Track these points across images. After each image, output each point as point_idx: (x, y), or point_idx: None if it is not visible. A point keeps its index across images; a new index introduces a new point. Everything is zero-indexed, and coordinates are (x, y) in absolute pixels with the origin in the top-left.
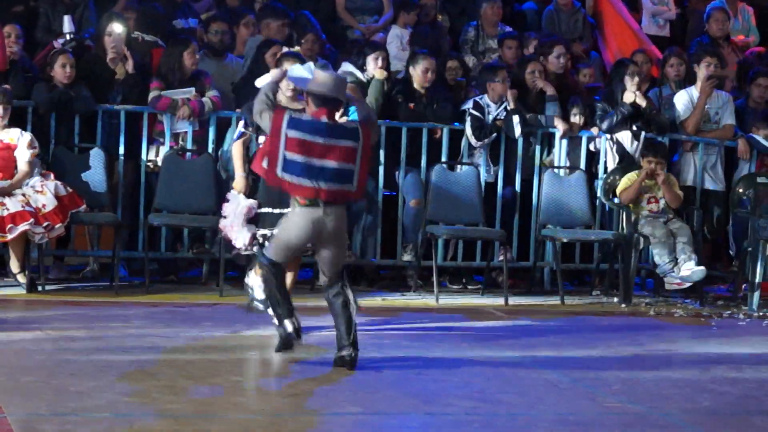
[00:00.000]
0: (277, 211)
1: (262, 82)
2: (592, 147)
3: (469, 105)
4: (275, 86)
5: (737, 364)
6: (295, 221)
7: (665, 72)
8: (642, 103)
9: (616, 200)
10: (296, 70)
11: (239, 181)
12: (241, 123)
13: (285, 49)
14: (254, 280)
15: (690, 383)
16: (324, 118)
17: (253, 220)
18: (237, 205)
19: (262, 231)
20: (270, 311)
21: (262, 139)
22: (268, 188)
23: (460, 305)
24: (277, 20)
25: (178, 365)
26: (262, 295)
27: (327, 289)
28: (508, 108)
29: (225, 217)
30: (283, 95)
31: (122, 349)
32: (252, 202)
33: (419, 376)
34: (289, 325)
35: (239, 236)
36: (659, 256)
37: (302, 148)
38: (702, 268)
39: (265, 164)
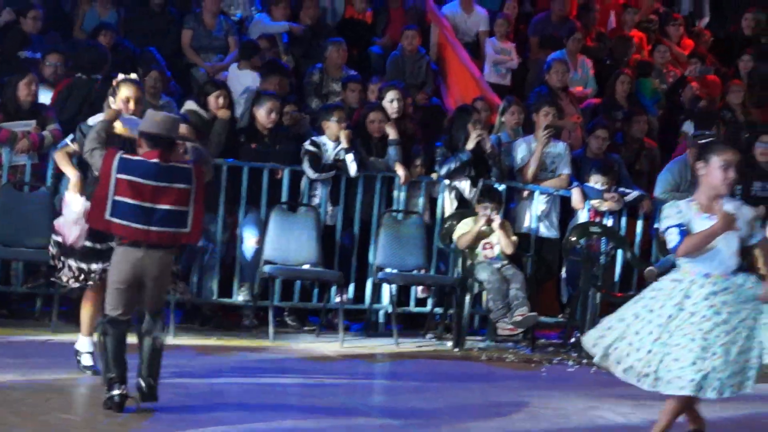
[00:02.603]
0: (98, 246)
1: (95, 120)
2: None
3: (306, 143)
4: (109, 125)
5: (564, 411)
6: (116, 262)
7: (504, 120)
8: (488, 148)
9: (452, 245)
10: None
11: (75, 180)
12: (70, 137)
13: (121, 76)
14: (82, 343)
15: (516, 431)
16: (156, 159)
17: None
18: (75, 205)
19: (78, 264)
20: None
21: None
22: None
23: (295, 346)
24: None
25: (6, 402)
26: (89, 362)
27: (140, 325)
28: (344, 147)
29: (62, 215)
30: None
31: None
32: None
33: (252, 416)
34: (116, 393)
35: (71, 232)
36: (493, 302)
37: (133, 190)
38: (534, 314)
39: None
